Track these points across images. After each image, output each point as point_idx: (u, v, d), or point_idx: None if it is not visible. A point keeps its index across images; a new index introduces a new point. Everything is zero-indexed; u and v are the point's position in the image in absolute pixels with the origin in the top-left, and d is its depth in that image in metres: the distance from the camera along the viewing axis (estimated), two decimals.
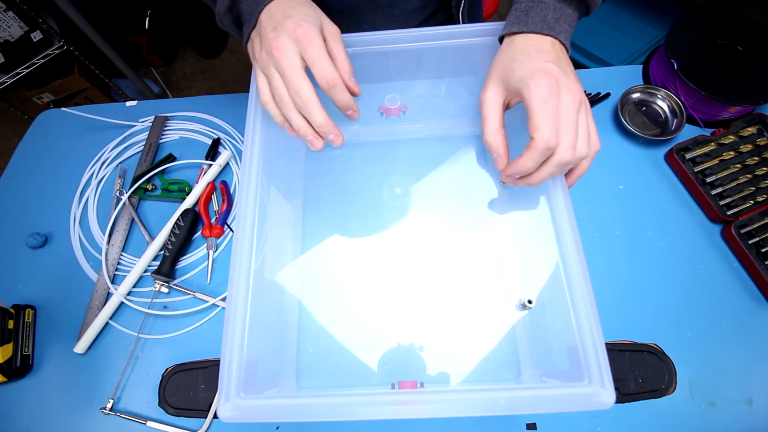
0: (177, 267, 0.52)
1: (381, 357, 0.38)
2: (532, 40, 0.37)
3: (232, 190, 0.57)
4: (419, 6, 0.57)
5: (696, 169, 0.52)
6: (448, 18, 0.63)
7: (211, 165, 0.57)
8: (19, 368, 0.47)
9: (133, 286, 0.51)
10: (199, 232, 0.54)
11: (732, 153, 0.52)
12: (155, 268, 0.51)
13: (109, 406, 0.45)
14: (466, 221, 0.46)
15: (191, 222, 0.52)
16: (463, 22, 0.59)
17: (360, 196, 0.47)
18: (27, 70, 1.28)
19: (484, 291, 0.41)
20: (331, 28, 0.37)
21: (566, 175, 0.37)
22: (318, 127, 0.36)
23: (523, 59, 0.35)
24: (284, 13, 0.36)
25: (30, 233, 0.55)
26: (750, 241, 0.48)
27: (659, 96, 0.57)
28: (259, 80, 0.38)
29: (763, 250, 0.47)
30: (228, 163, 0.58)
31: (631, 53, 1.27)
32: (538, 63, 0.34)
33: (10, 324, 0.48)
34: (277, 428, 0.44)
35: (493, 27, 0.45)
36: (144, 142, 0.61)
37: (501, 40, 0.40)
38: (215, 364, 0.46)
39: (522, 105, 0.37)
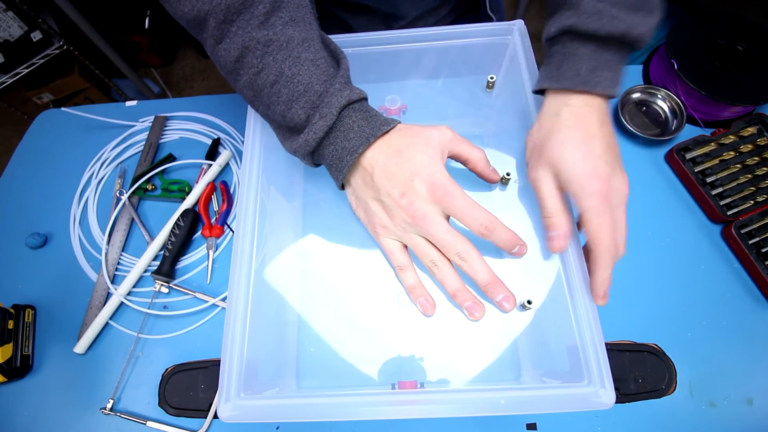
0: (177, 267, 0.52)
1: (381, 356, 0.38)
2: (569, 102, 0.35)
3: (232, 190, 0.57)
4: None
5: (696, 169, 0.52)
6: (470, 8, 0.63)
7: (211, 165, 0.57)
8: (19, 368, 0.47)
9: (133, 286, 0.51)
10: (199, 232, 0.54)
11: (732, 153, 0.52)
12: (155, 268, 0.51)
13: (109, 406, 0.45)
14: None
15: (191, 222, 0.52)
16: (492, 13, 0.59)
17: None
18: (27, 70, 1.28)
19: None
20: (446, 136, 0.35)
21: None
22: (484, 284, 0.35)
23: (572, 148, 0.33)
24: (400, 167, 0.34)
25: (30, 233, 0.55)
26: (750, 241, 0.48)
27: (659, 96, 0.57)
28: (389, 244, 0.37)
29: (763, 250, 0.47)
30: (228, 163, 0.58)
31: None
32: (589, 163, 0.33)
33: (10, 324, 0.48)
34: (278, 428, 0.44)
35: (493, 27, 0.45)
36: (144, 142, 0.61)
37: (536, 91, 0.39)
38: (215, 364, 0.46)
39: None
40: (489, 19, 0.60)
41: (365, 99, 0.36)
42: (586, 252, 0.35)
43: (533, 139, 0.37)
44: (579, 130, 0.34)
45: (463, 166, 0.39)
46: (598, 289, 0.33)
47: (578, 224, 0.36)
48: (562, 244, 0.34)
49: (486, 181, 0.39)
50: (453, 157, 0.37)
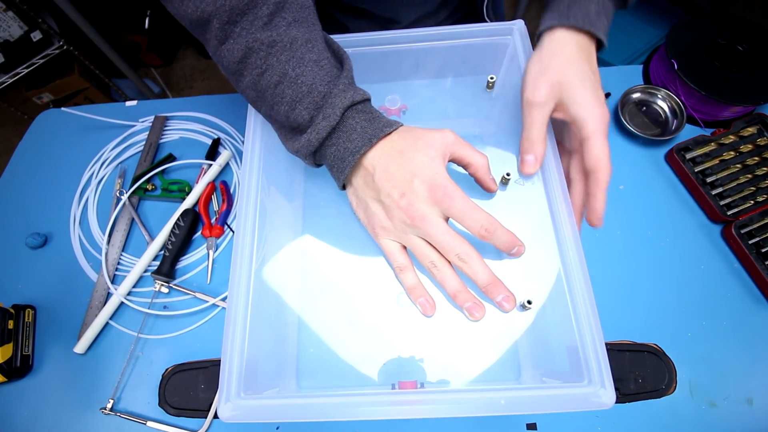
0: (177, 267, 0.52)
1: (381, 357, 0.38)
2: (573, 40, 0.38)
3: (232, 190, 0.57)
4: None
5: (696, 169, 0.52)
6: (470, 11, 0.63)
7: (211, 165, 0.57)
8: (19, 368, 0.47)
9: (133, 286, 0.51)
10: (199, 232, 0.54)
11: (732, 153, 0.52)
12: (155, 268, 0.51)
13: (109, 406, 0.45)
14: None
15: (191, 222, 0.52)
16: (489, 18, 0.59)
17: None
18: (27, 70, 1.28)
19: None
20: (446, 139, 0.36)
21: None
22: (484, 285, 0.34)
23: (582, 77, 0.36)
24: (401, 168, 0.34)
25: (30, 233, 0.55)
26: (750, 241, 0.48)
27: (659, 96, 0.57)
28: (388, 245, 0.38)
29: (763, 250, 0.47)
30: (228, 163, 0.58)
31: (631, 53, 1.27)
32: (597, 93, 0.36)
33: (10, 324, 0.48)
34: (278, 428, 0.44)
35: (493, 28, 0.45)
36: (144, 142, 0.61)
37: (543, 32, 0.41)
38: (215, 364, 0.46)
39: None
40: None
41: (368, 100, 0.36)
42: (569, 178, 0.39)
43: (543, 63, 0.38)
44: (587, 63, 0.37)
45: (464, 171, 0.39)
46: (598, 209, 0.36)
47: (564, 159, 0.39)
48: (536, 167, 0.38)
49: (483, 188, 0.39)
50: (454, 161, 0.37)
